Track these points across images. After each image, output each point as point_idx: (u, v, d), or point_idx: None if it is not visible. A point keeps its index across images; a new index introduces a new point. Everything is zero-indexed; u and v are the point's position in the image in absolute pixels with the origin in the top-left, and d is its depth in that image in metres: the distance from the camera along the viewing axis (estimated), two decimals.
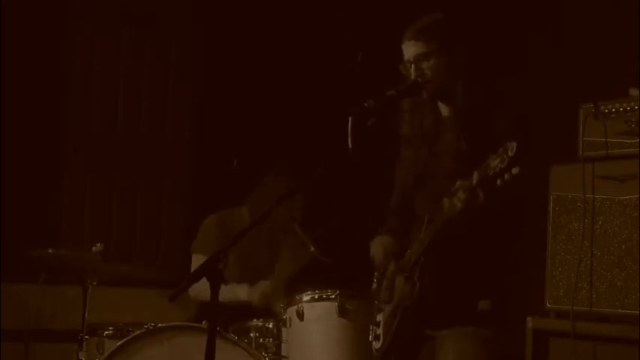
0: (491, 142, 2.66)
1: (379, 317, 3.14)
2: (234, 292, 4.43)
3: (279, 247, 4.73)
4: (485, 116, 2.90)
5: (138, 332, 3.73)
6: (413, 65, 2.98)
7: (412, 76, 2.98)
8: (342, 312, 3.67)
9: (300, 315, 3.74)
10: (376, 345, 3.12)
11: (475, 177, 2.68)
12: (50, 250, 4.03)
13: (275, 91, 5.75)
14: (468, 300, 2.94)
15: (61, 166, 5.77)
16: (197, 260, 4.54)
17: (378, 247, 3.21)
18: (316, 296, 3.75)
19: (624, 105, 3.69)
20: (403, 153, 3.16)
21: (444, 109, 3.05)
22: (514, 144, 2.56)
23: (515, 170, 2.56)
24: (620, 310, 3.58)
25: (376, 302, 3.17)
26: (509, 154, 2.57)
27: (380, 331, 3.11)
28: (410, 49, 2.99)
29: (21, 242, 5.21)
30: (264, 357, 3.89)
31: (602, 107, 3.73)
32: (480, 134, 2.87)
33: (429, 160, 3.04)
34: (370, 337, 3.15)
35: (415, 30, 2.99)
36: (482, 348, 2.94)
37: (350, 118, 2.80)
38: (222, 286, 4.32)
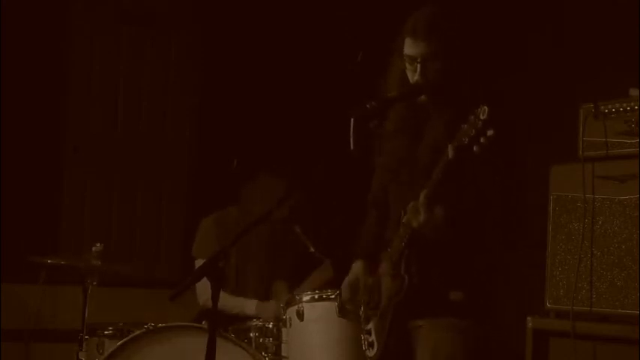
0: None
1: (369, 325, 3.13)
2: (242, 306, 4.40)
3: (278, 253, 4.70)
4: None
5: (138, 332, 3.73)
6: (420, 65, 2.91)
7: (416, 74, 2.93)
8: (342, 312, 3.67)
9: (300, 315, 3.74)
10: (370, 353, 3.10)
11: (450, 150, 2.63)
12: (49, 261, 4.04)
13: (275, 91, 5.74)
14: (441, 290, 2.93)
15: (61, 166, 5.77)
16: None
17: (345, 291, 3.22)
18: (316, 296, 3.75)
19: (624, 105, 3.68)
20: (383, 146, 3.13)
21: (434, 106, 3.00)
22: (485, 107, 2.52)
23: (490, 132, 2.53)
24: (620, 310, 3.58)
25: (362, 311, 3.16)
26: (482, 117, 2.53)
27: (373, 337, 3.10)
28: (418, 46, 2.90)
29: (21, 243, 5.23)
30: (264, 357, 3.89)
31: (602, 107, 3.73)
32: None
33: (408, 151, 3.01)
34: (363, 346, 3.13)
35: (425, 26, 2.90)
36: (458, 338, 2.92)
37: (352, 120, 2.79)
38: (229, 298, 4.37)
